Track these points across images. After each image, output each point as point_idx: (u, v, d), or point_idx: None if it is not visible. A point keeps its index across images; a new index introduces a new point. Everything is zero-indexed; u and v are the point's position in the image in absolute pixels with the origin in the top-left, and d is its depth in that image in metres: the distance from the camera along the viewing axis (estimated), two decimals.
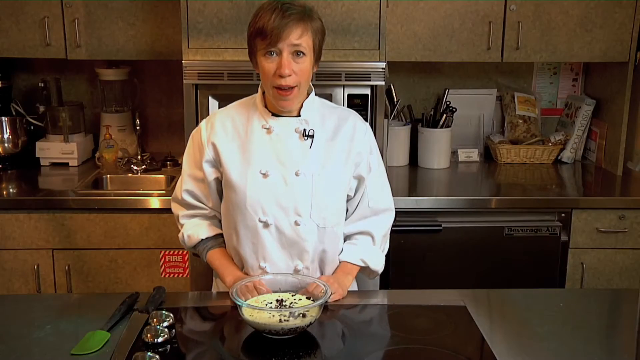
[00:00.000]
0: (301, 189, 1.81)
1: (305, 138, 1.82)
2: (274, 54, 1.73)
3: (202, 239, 1.93)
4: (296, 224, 1.81)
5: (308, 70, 1.77)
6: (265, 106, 1.85)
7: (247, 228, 1.82)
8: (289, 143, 1.82)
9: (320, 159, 1.83)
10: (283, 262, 1.84)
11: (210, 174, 1.88)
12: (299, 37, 1.71)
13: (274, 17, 1.69)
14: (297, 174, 1.80)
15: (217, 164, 1.87)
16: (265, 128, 1.83)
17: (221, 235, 1.94)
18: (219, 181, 1.90)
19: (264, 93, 1.85)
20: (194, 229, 1.94)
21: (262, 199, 1.80)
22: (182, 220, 1.98)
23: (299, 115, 1.84)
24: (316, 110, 1.87)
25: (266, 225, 1.81)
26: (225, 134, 1.85)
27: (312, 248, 1.84)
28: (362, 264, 1.92)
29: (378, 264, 1.95)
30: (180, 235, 1.98)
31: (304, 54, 1.73)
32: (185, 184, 1.94)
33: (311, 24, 1.74)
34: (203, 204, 1.94)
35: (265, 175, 1.80)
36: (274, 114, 1.83)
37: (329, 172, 1.83)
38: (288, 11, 1.71)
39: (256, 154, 1.82)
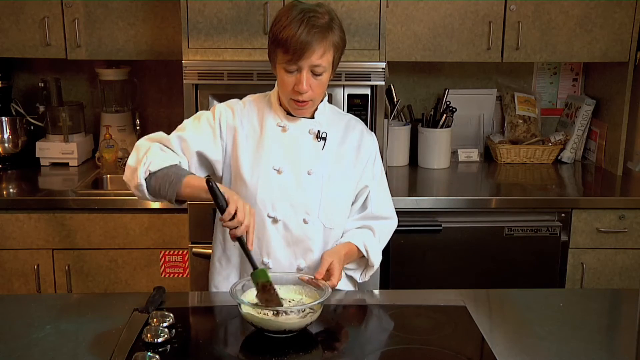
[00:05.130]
0: (312, 188, 1.82)
1: (319, 139, 1.84)
2: (294, 71, 1.72)
3: (174, 164, 1.73)
4: (305, 222, 1.82)
5: (325, 83, 1.78)
6: (280, 104, 1.85)
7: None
8: (302, 143, 1.83)
9: (331, 161, 1.85)
10: (286, 259, 1.85)
11: (217, 146, 1.82)
12: (320, 57, 1.70)
13: (299, 32, 1.66)
14: (309, 173, 1.82)
15: (228, 149, 1.84)
16: (280, 126, 1.84)
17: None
18: (207, 163, 1.85)
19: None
20: (161, 155, 1.74)
21: (273, 195, 1.81)
22: (153, 148, 1.74)
23: (312, 117, 1.85)
24: (327, 115, 1.88)
25: (275, 221, 1.82)
26: (242, 126, 1.85)
27: (317, 248, 1.85)
28: (363, 249, 1.87)
29: (376, 257, 1.90)
30: (136, 161, 1.73)
31: (324, 70, 1.73)
32: (181, 131, 1.81)
33: (333, 40, 1.72)
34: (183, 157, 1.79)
35: (279, 171, 1.81)
36: (289, 113, 1.84)
37: (338, 174, 1.85)
38: (314, 26, 1.67)
39: (269, 151, 1.82)
